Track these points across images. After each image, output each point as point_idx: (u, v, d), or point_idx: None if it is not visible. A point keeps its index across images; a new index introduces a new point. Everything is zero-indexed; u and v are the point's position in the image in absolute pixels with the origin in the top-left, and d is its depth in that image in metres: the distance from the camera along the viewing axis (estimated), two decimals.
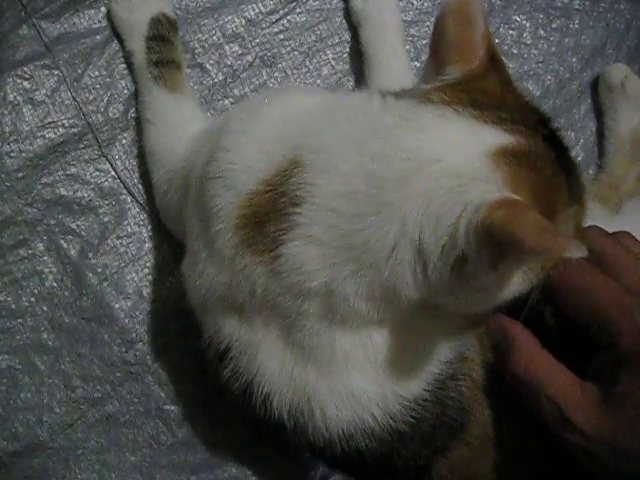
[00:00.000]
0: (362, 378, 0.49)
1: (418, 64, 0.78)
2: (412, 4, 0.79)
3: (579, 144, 0.81)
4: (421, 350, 0.50)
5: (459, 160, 0.43)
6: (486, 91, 0.46)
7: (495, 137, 0.44)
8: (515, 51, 0.81)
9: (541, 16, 0.82)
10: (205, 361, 0.55)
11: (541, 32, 0.82)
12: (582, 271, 0.48)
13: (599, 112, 0.81)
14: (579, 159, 0.81)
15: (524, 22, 0.82)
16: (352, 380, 0.49)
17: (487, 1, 0.80)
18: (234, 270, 0.49)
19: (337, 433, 0.50)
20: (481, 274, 0.42)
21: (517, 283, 0.45)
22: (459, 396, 0.51)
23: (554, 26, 0.82)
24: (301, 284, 0.46)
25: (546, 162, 0.45)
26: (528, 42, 0.81)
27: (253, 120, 0.50)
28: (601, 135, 0.81)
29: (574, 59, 0.82)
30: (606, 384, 0.46)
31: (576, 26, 0.82)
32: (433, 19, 0.75)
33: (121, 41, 0.71)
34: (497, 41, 0.80)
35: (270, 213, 0.47)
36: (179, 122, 0.65)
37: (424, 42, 0.78)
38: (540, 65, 0.81)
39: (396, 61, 0.73)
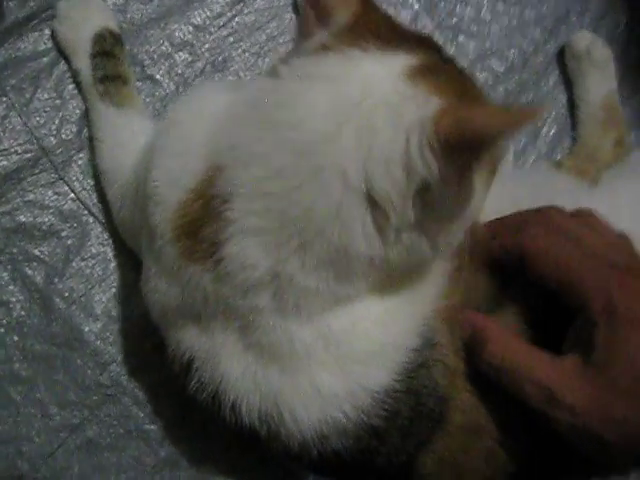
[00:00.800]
0: (326, 373, 0.48)
1: None
2: None
3: (550, 117, 0.79)
4: (383, 336, 0.48)
5: (381, 92, 0.42)
6: (376, 25, 0.46)
7: (403, 60, 0.44)
8: (475, 29, 0.79)
9: None
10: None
11: (500, 6, 0.80)
12: (548, 236, 0.48)
13: (568, 83, 0.79)
14: (552, 133, 0.78)
15: None
16: (317, 376, 0.48)
17: None
18: (182, 282, 0.49)
19: (310, 435, 0.48)
20: (446, 194, 0.42)
21: (479, 191, 0.45)
22: (433, 384, 0.49)
23: None
24: (247, 279, 0.46)
25: (453, 71, 0.46)
26: (488, 19, 0.79)
27: (170, 133, 0.50)
28: (572, 106, 0.78)
29: (537, 31, 0.80)
30: (584, 352, 0.45)
31: None
32: (386, 6, 0.75)
33: (68, 61, 0.70)
34: (455, 20, 0.78)
35: (203, 218, 0.46)
36: (127, 138, 0.64)
37: None
38: (502, 41, 0.79)
39: None
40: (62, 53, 0.71)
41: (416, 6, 0.77)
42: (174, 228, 0.48)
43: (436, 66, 0.45)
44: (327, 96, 0.43)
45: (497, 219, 0.53)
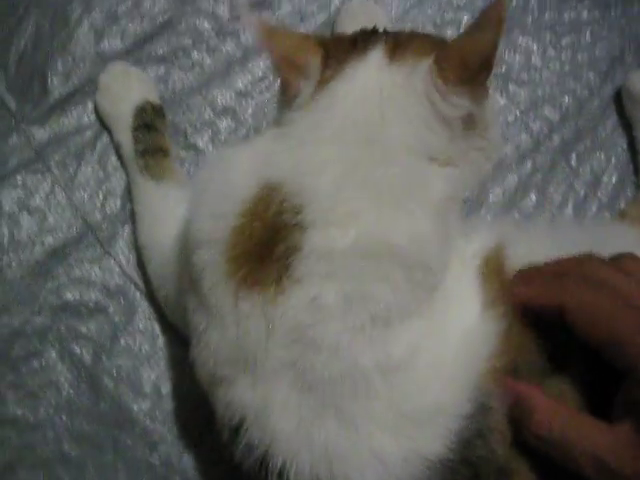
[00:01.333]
0: (383, 433, 0.44)
1: None
2: None
3: (611, 164, 0.74)
4: (438, 391, 0.45)
5: (382, 84, 0.49)
6: (339, 51, 0.51)
7: (376, 53, 0.50)
8: (525, 77, 0.75)
9: (548, 35, 0.76)
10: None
11: (551, 52, 0.76)
12: (589, 290, 0.45)
13: (627, 127, 0.74)
14: (613, 181, 0.74)
15: (531, 44, 0.76)
16: (375, 437, 0.44)
17: None
18: (238, 320, 0.46)
19: None
20: (480, 111, 0.49)
21: (492, 109, 0.52)
22: (491, 455, 0.45)
23: (564, 43, 0.76)
24: (317, 300, 0.44)
25: (411, 35, 0.54)
26: (538, 65, 0.76)
27: (207, 176, 0.51)
28: (633, 151, 0.74)
29: (591, 74, 0.76)
30: (637, 418, 0.42)
31: (588, 39, 0.76)
32: None
33: (110, 134, 0.70)
34: (504, 68, 0.75)
35: (270, 238, 0.45)
36: (165, 212, 0.62)
37: None
38: (555, 87, 0.75)
39: None
40: (105, 126, 0.70)
41: None
42: (228, 261, 0.46)
43: (398, 41, 0.50)
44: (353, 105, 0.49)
45: (533, 267, 0.50)
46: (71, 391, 0.67)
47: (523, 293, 0.48)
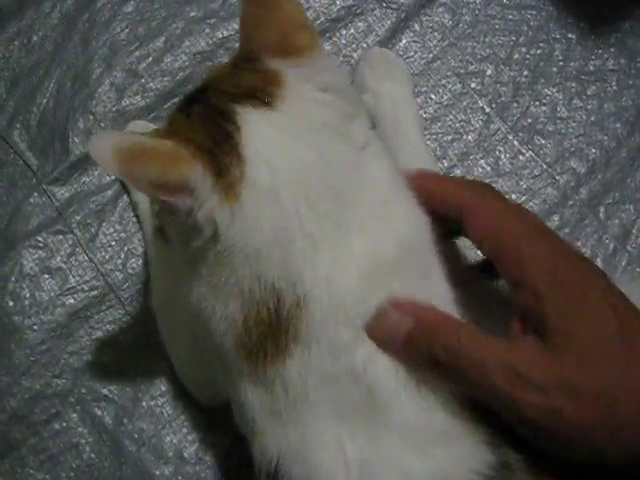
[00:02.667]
0: (410, 452, 0.44)
1: (446, 163, 0.72)
2: (431, 98, 0.74)
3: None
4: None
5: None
6: None
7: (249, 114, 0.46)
8: (551, 128, 0.74)
9: (573, 85, 0.75)
10: None
11: (576, 102, 0.75)
12: (493, 200, 0.48)
13: None
14: None
15: (556, 94, 0.75)
16: (402, 456, 0.44)
17: (511, 80, 0.74)
18: (266, 383, 0.46)
19: None
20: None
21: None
22: None
23: (589, 93, 0.75)
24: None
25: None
26: (564, 116, 0.74)
27: None
28: None
29: (618, 124, 0.74)
30: (536, 330, 0.42)
31: (614, 88, 0.75)
32: (455, 112, 0.71)
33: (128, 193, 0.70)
34: (529, 120, 0.74)
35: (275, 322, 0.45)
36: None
37: (449, 138, 0.73)
38: (581, 139, 0.74)
39: (417, 158, 0.68)
40: (124, 185, 0.70)
41: (488, 110, 0.73)
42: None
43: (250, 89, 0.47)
44: None
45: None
46: (92, 455, 0.66)
47: (429, 186, 0.48)
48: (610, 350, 0.41)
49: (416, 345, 0.44)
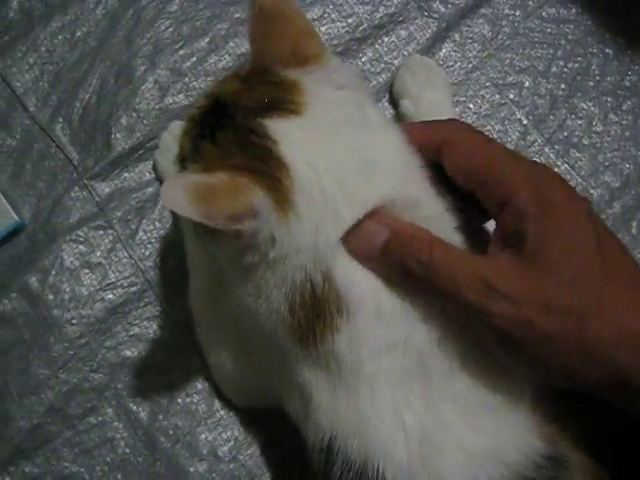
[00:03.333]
0: (466, 425, 0.45)
1: None
2: (469, 108, 0.75)
3: None
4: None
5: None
6: None
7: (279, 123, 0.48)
8: (586, 141, 0.75)
9: (609, 99, 0.76)
10: None
11: (612, 117, 0.76)
12: (470, 132, 0.49)
13: None
14: None
15: (592, 109, 0.76)
16: (458, 428, 0.45)
17: (549, 93, 0.75)
18: (320, 361, 0.47)
19: None
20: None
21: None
22: None
23: (625, 108, 0.76)
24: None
25: None
26: (599, 130, 0.75)
27: None
28: None
29: None
30: (515, 245, 0.42)
31: None
32: (493, 123, 0.72)
33: None
34: (565, 134, 0.75)
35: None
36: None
37: None
38: (616, 153, 0.75)
39: None
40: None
41: (525, 121, 0.74)
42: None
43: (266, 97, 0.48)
44: None
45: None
46: (127, 450, 0.66)
47: (414, 134, 0.49)
48: (588, 271, 0.42)
49: (390, 257, 0.45)
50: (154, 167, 0.70)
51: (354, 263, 0.46)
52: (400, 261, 0.45)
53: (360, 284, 0.46)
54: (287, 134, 0.46)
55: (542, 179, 0.44)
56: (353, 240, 0.46)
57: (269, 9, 0.49)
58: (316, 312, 0.46)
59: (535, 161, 0.48)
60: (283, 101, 0.47)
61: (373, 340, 0.46)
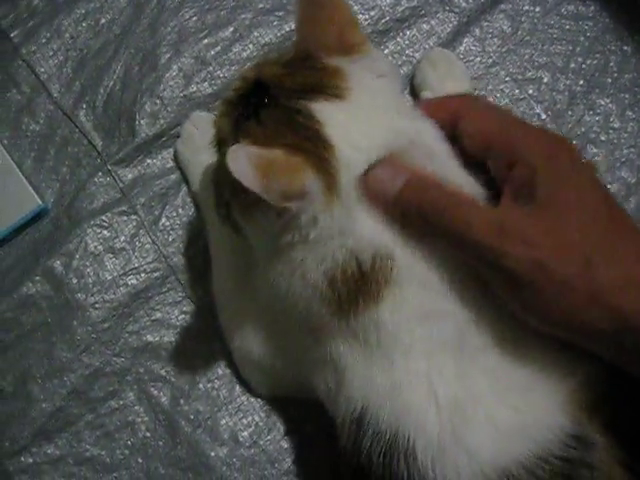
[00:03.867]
0: (495, 398, 0.46)
1: None
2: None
3: None
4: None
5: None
6: None
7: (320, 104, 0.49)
8: (603, 137, 0.76)
9: (627, 96, 0.77)
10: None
11: (629, 113, 0.77)
12: (484, 107, 0.52)
13: None
14: None
15: (610, 105, 0.76)
16: (487, 400, 0.47)
17: (567, 89, 0.76)
18: (358, 331, 0.49)
19: None
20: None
21: None
22: None
23: None
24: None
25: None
26: (616, 126, 0.76)
27: None
28: None
29: None
30: (527, 196, 0.44)
31: None
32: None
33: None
34: (583, 129, 0.76)
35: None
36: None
37: None
38: (632, 149, 0.75)
39: None
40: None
41: (543, 116, 0.75)
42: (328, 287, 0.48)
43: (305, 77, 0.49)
44: None
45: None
46: (147, 434, 0.67)
47: (432, 109, 0.51)
48: (595, 218, 0.44)
49: (407, 201, 0.47)
50: (175, 156, 0.71)
51: (407, 236, 0.47)
52: (417, 206, 0.47)
53: (412, 255, 0.47)
54: (332, 116, 0.47)
55: (551, 141, 0.47)
56: (369, 182, 0.47)
57: None
58: (360, 285, 0.47)
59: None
60: (327, 86, 0.48)
61: (415, 309, 0.47)
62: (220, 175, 0.51)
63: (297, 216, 0.46)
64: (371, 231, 0.47)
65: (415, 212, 0.47)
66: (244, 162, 0.43)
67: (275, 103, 0.48)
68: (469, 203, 0.46)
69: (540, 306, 0.44)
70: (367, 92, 0.49)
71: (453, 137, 0.50)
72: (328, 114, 0.47)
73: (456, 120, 0.49)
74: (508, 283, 0.44)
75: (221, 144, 0.50)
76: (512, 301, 0.45)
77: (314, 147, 0.46)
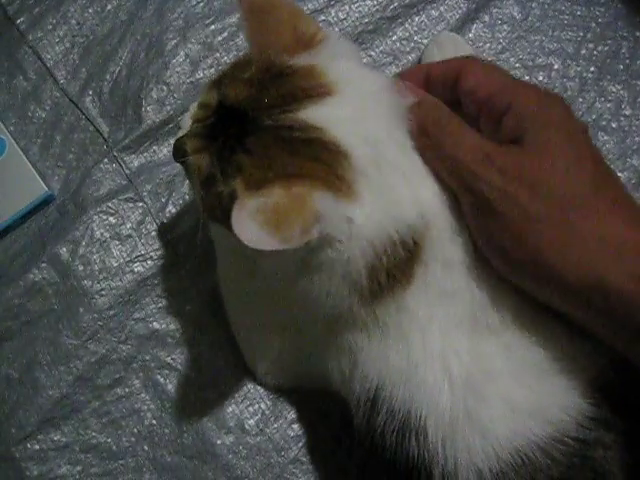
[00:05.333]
0: (513, 380, 0.46)
1: None
2: None
3: None
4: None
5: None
6: None
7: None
8: (614, 125, 0.75)
9: (639, 83, 0.76)
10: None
11: None
12: (479, 62, 0.51)
13: None
14: None
15: (621, 92, 0.75)
16: (504, 382, 0.46)
17: (578, 75, 0.75)
18: (380, 314, 0.48)
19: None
20: None
21: None
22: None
23: None
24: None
25: None
26: (628, 113, 0.75)
27: None
28: None
29: None
30: (514, 141, 0.45)
31: None
32: None
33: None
34: (594, 116, 0.75)
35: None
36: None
37: None
38: None
39: None
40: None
41: None
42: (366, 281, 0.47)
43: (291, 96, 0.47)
44: None
45: None
46: (153, 421, 0.67)
47: (426, 67, 0.52)
48: (579, 168, 0.43)
49: (413, 116, 0.47)
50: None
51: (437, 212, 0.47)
52: (419, 121, 0.47)
53: (440, 234, 0.47)
54: (331, 117, 0.45)
55: (547, 95, 0.47)
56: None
57: (258, 3, 0.48)
58: (397, 268, 0.47)
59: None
60: (309, 87, 0.46)
61: (436, 289, 0.47)
62: (220, 219, 0.48)
63: (324, 233, 0.44)
64: (407, 209, 0.47)
65: (417, 125, 0.47)
66: (252, 227, 0.41)
67: (258, 127, 0.45)
68: (465, 128, 0.47)
69: (505, 241, 0.44)
70: (349, 79, 0.47)
71: (451, 102, 0.50)
72: (326, 116, 0.45)
73: (457, 77, 0.50)
74: (480, 210, 0.45)
75: (208, 184, 0.47)
76: (481, 232, 0.45)
77: (318, 160, 0.44)
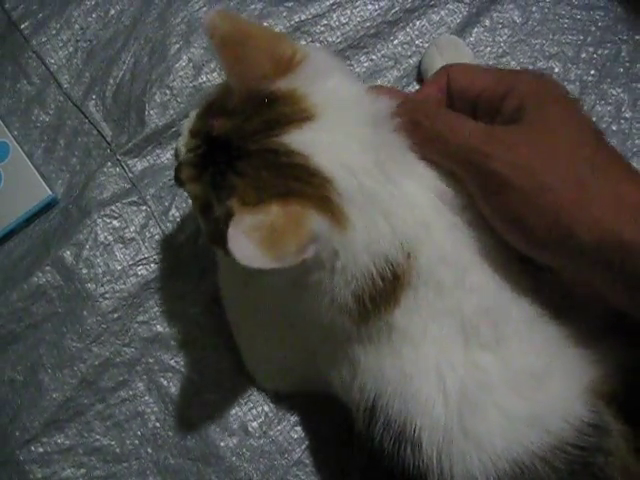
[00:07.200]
0: (508, 389, 0.46)
1: None
2: None
3: None
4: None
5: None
6: None
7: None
8: (615, 127, 0.75)
9: (639, 86, 0.76)
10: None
11: None
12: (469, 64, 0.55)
13: None
14: None
15: (621, 95, 0.75)
16: (499, 391, 0.46)
17: (578, 79, 0.75)
18: (375, 332, 0.48)
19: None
20: None
21: None
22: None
23: None
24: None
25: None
26: (628, 116, 0.75)
27: None
28: None
29: None
30: (515, 122, 0.46)
31: None
32: None
33: None
34: (594, 119, 0.75)
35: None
36: None
37: None
38: None
39: None
40: None
41: None
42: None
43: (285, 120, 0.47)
44: None
45: None
46: (157, 424, 0.66)
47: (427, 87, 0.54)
48: (581, 139, 0.44)
49: (401, 114, 0.47)
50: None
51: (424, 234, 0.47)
52: (410, 117, 0.47)
53: (431, 256, 0.47)
54: (313, 143, 0.45)
55: (539, 77, 0.49)
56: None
57: (229, 34, 0.47)
58: (383, 293, 0.46)
59: None
60: (290, 112, 0.45)
61: (428, 308, 0.47)
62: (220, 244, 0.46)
63: (317, 255, 0.44)
64: (386, 243, 0.46)
65: (408, 122, 0.47)
66: (248, 245, 0.40)
67: (246, 152, 0.45)
68: (457, 115, 0.48)
69: (525, 214, 0.43)
70: (329, 101, 0.46)
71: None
72: (306, 141, 0.44)
73: (450, 76, 0.51)
74: (494, 189, 0.44)
75: (206, 210, 0.47)
76: (497, 211, 0.45)
77: (309, 185, 0.44)
